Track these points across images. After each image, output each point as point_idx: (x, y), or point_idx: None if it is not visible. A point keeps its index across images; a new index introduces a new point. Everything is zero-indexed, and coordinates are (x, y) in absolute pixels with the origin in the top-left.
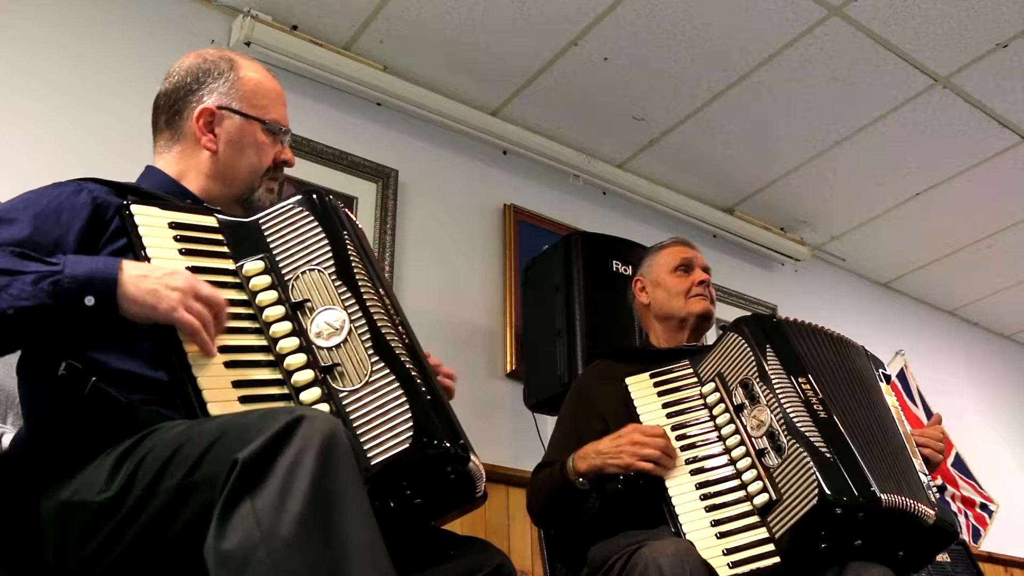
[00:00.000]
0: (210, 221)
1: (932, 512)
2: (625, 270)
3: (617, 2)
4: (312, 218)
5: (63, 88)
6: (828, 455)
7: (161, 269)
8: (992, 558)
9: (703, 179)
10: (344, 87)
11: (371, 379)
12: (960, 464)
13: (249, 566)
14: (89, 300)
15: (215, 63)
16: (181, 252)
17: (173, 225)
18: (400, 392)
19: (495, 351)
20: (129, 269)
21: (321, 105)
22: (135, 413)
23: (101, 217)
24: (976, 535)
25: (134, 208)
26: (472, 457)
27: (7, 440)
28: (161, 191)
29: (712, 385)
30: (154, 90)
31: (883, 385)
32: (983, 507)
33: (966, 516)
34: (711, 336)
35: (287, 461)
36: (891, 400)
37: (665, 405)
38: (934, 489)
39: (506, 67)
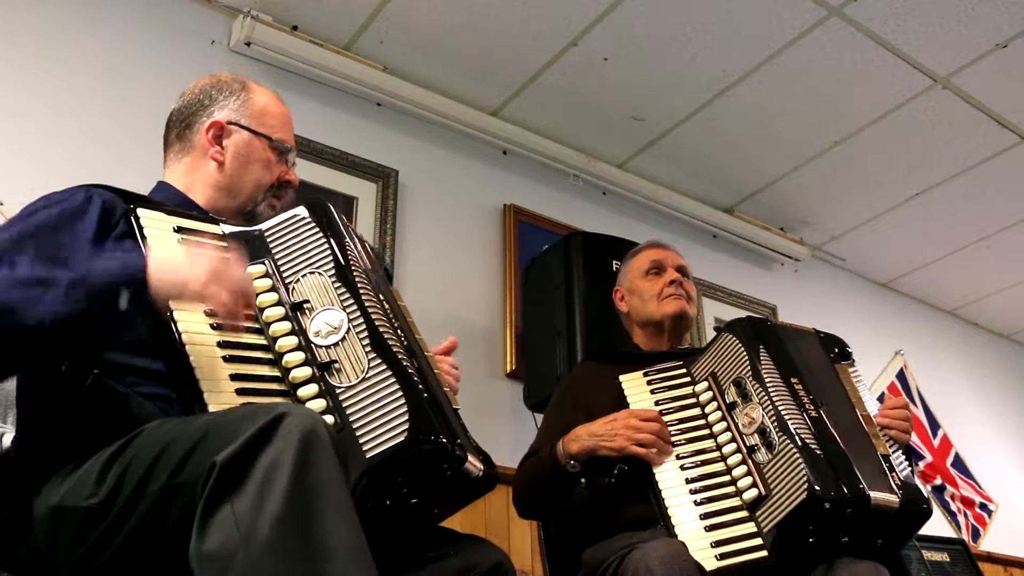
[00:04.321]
0: (215, 229)
1: (895, 500)
2: None
3: (617, 2)
4: (314, 224)
5: (64, 87)
6: (818, 452)
7: (187, 254)
8: (992, 558)
9: (703, 179)
10: (344, 87)
11: (368, 375)
12: (960, 464)
13: (230, 569)
14: (123, 300)
15: (228, 83)
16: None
17: (179, 229)
18: (397, 388)
19: (495, 351)
20: (155, 260)
21: (321, 105)
22: (132, 406)
23: (108, 221)
24: (976, 535)
25: (141, 211)
26: (469, 457)
27: (7, 440)
28: (170, 204)
29: (705, 384)
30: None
31: (846, 366)
32: (982, 507)
33: (965, 516)
34: (708, 335)
35: (266, 461)
36: (848, 383)
37: (658, 403)
38: (905, 467)
39: (506, 67)
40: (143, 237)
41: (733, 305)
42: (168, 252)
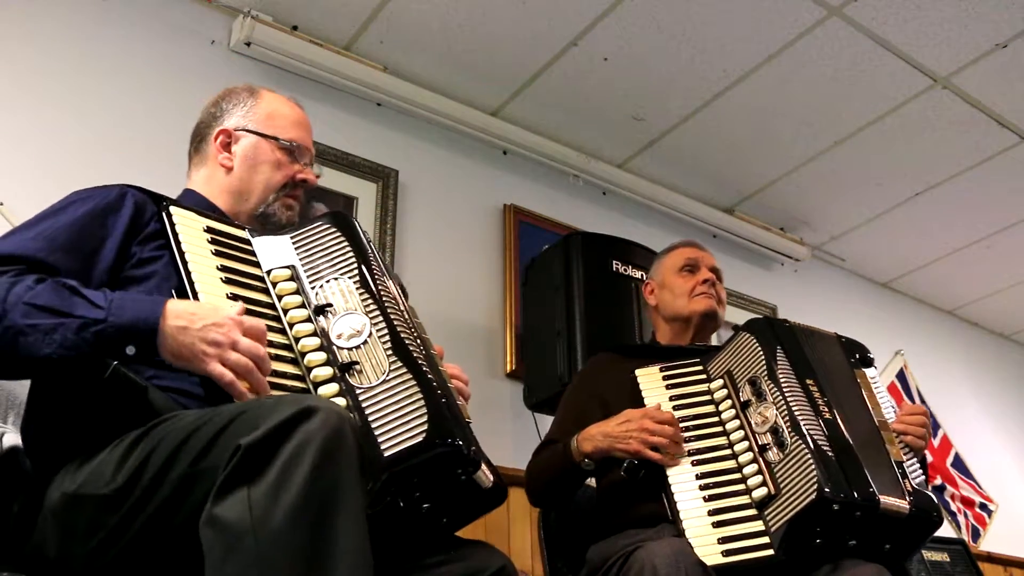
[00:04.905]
0: (242, 234)
1: (906, 505)
2: (625, 270)
3: (617, 2)
4: (339, 233)
5: (64, 87)
6: (830, 453)
7: (203, 317)
8: (992, 558)
9: (703, 179)
10: (344, 87)
11: (388, 377)
12: (960, 464)
13: (237, 551)
14: (130, 350)
15: (237, 92)
16: (214, 253)
17: (209, 229)
18: (416, 391)
19: (495, 351)
20: (171, 318)
21: (321, 105)
22: (150, 398)
23: (140, 219)
24: (976, 535)
25: (173, 208)
26: (483, 465)
27: (7, 440)
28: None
29: (720, 382)
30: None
31: (866, 372)
32: (982, 507)
33: (965, 516)
34: (716, 338)
35: (288, 452)
36: (866, 388)
37: (672, 398)
38: (919, 474)
39: (506, 67)
40: (175, 235)
41: (733, 305)
42: (185, 317)
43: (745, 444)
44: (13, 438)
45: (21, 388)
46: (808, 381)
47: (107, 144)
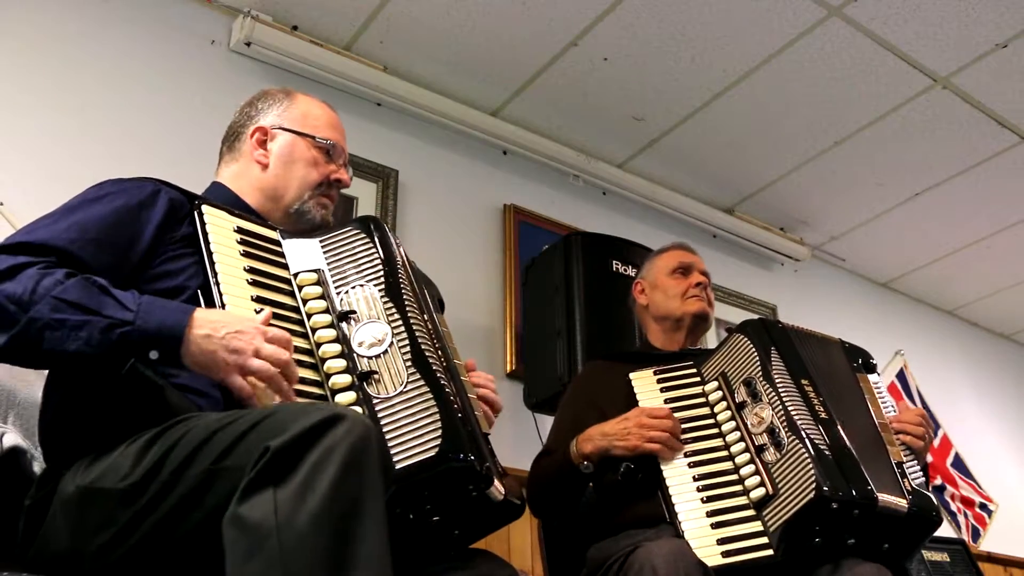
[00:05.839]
0: (273, 235)
1: (904, 503)
2: (625, 270)
3: (617, 2)
4: (368, 240)
5: (64, 88)
6: (827, 452)
7: (227, 325)
8: (992, 558)
9: (703, 179)
10: (344, 87)
11: (406, 389)
12: (959, 464)
13: (260, 551)
14: (153, 355)
15: (273, 93)
16: (242, 254)
17: (239, 230)
18: (432, 404)
19: (495, 351)
20: (197, 327)
21: None
22: (166, 397)
23: (173, 218)
24: (976, 535)
25: (205, 208)
26: (495, 481)
27: (8, 440)
28: (224, 203)
29: (715, 384)
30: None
31: (868, 376)
32: (982, 507)
33: (965, 516)
34: (713, 339)
35: (315, 456)
36: (868, 392)
37: (667, 401)
38: (919, 476)
39: (506, 67)
40: (205, 234)
41: (733, 305)
42: (209, 325)
43: (741, 445)
44: (13, 438)
45: (21, 388)
46: (803, 381)
47: (107, 144)
